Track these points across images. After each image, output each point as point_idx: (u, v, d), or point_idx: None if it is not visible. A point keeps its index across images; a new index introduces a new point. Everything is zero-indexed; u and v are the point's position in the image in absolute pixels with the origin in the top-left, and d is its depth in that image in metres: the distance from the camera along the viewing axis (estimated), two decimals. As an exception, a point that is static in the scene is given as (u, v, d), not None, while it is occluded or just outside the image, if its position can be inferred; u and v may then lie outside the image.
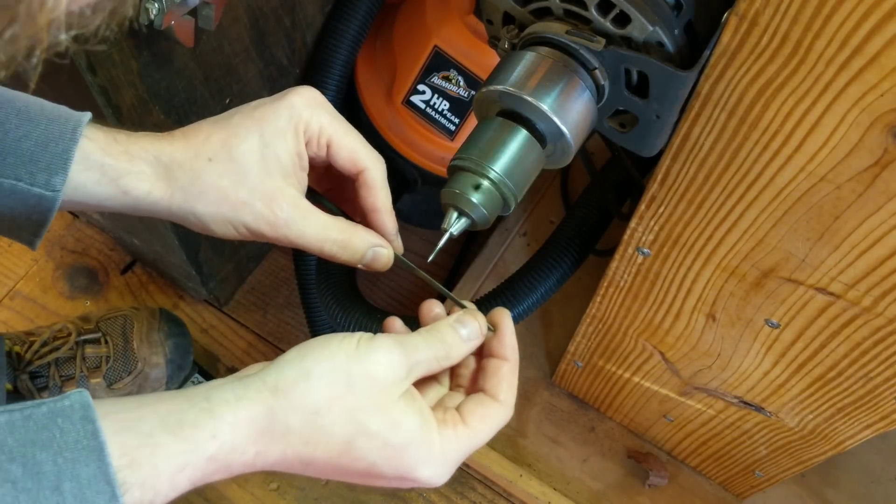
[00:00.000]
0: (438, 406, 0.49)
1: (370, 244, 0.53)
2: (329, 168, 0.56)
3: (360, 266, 0.54)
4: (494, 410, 0.48)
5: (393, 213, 0.56)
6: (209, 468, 0.42)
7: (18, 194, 0.49)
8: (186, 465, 0.41)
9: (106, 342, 1.00)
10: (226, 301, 1.15)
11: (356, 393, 0.44)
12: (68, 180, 0.50)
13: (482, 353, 0.51)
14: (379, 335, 0.46)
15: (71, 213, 1.20)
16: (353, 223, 0.54)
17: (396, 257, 0.55)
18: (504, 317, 0.51)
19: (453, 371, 0.53)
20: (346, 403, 0.44)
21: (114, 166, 0.51)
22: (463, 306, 0.51)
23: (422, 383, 0.50)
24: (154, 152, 0.51)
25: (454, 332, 0.49)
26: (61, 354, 0.98)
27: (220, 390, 0.43)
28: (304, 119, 0.52)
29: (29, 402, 0.39)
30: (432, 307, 0.51)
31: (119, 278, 1.17)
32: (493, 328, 0.51)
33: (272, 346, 1.13)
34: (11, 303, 1.14)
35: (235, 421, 0.42)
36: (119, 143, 0.51)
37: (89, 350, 0.99)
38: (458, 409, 0.48)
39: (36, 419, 0.38)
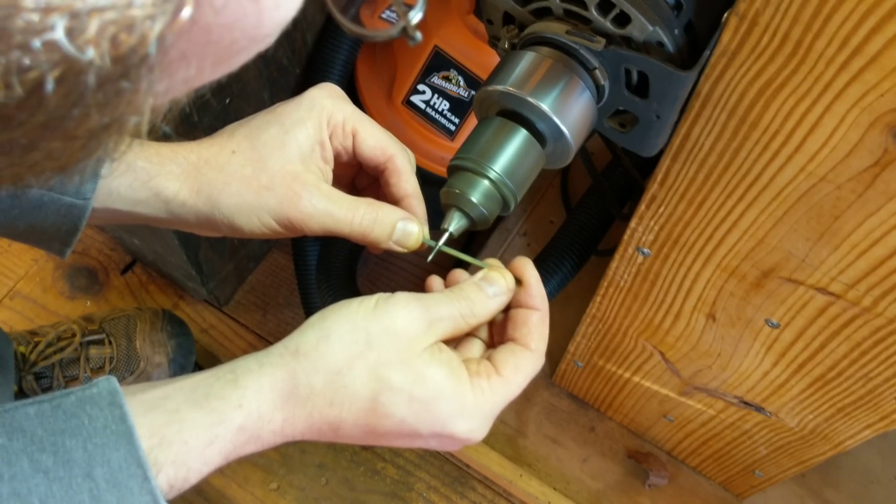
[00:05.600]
0: (472, 359, 0.48)
1: (399, 216, 0.53)
2: (351, 168, 0.56)
3: (390, 244, 0.53)
4: (527, 360, 0.48)
5: (422, 199, 0.56)
6: (239, 440, 0.42)
7: (49, 204, 0.49)
8: (216, 438, 0.41)
9: (110, 343, 1.01)
10: (226, 301, 1.15)
11: (377, 349, 0.44)
12: (101, 187, 0.50)
13: (510, 305, 0.50)
14: (397, 293, 0.46)
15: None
16: (379, 201, 0.54)
17: (424, 240, 0.54)
18: (527, 268, 0.50)
19: (491, 329, 0.52)
20: (368, 360, 0.44)
21: (145, 168, 0.52)
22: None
23: (459, 342, 0.50)
24: (184, 153, 0.53)
25: (478, 289, 0.48)
26: (66, 356, 0.98)
27: (245, 360, 0.44)
28: (326, 109, 0.53)
29: (58, 392, 0.39)
30: (458, 276, 0.51)
31: (119, 278, 1.17)
32: (518, 281, 0.50)
33: (272, 346, 1.13)
34: (11, 303, 1.14)
35: (259, 388, 0.43)
36: (150, 147, 0.52)
37: (93, 351, 1.00)
38: (489, 359, 0.47)
39: (65, 408, 0.38)
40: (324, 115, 0.53)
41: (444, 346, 0.46)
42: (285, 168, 0.51)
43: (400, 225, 0.53)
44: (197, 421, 0.41)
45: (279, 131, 0.52)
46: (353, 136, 0.54)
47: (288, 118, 0.53)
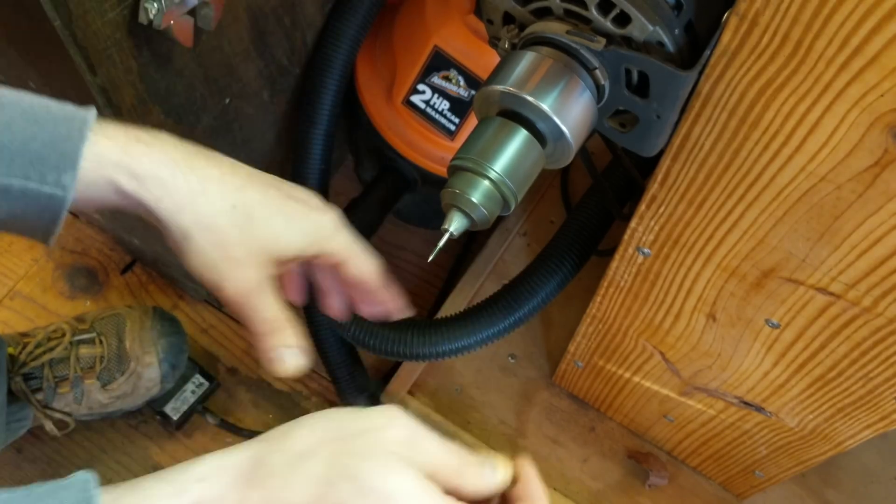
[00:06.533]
0: None
1: (283, 343, 0.50)
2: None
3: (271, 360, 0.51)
4: None
5: (379, 273, 0.55)
6: None
7: (29, 195, 0.49)
8: None
9: (100, 342, 0.98)
10: (226, 301, 1.15)
11: (347, 440, 0.42)
12: (82, 178, 0.50)
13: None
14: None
15: (71, 213, 1.20)
16: (292, 318, 0.51)
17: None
18: (527, 467, 0.46)
19: None
20: (334, 448, 0.42)
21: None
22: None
23: None
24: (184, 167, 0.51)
25: (471, 455, 0.45)
26: (55, 355, 0.96)
27: (213, 452, 0.43)
28: (325, 236, 0.52)
29: (34, 484, 0.40)
30: None
31: (119, 278, 1.17)
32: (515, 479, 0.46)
33: (272, 346, 1.13)
34: (11, 303, 1.14)
35: (221, 463, 0.42)
36: (141, 143, 0.51)
37: (84, 350, 0.98)
38: None
39: (37, 494, 0.39)
40: (318, 243, 0.52)
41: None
42: (252, 267, 0.50)
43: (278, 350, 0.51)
44: (157, 490, 0.41)
45: (284, 224, 0.51)
46: (338, 265, 0.53)
47: (295, 225, 0.52)
